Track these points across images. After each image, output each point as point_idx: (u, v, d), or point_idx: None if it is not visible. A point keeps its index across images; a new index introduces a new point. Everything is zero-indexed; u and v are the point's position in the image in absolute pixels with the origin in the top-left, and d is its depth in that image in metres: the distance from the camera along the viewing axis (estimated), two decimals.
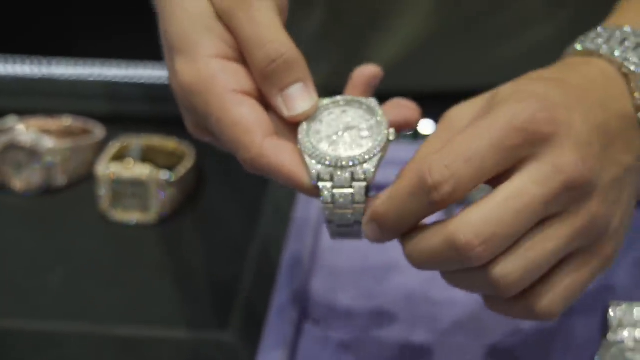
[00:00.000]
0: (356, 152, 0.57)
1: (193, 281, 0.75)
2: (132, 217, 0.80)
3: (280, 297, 0.70)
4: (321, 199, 0.56)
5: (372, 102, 0.59)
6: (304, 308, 0.70)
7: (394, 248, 0.58)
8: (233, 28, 0.58)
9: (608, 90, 0.57)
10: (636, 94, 0.57)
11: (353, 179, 0.56)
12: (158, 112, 0.90)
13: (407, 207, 0.54)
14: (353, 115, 0.59)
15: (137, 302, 0.73)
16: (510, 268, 0.52)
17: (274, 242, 0.76)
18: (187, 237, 0.79)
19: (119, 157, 0.82)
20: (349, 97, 0.59)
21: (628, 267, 0.72)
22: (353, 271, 0.73)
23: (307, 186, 0.56)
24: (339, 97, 0.59)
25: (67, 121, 0.86)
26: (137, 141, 0.83)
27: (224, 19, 0.58)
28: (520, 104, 0.53)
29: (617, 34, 0.59)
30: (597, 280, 0.58)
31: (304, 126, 0.58)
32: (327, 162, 0.56)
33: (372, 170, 0.56)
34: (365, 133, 0.58)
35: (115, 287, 0.74)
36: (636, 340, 0.64)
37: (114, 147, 0.82)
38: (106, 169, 0.79)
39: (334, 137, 0.57)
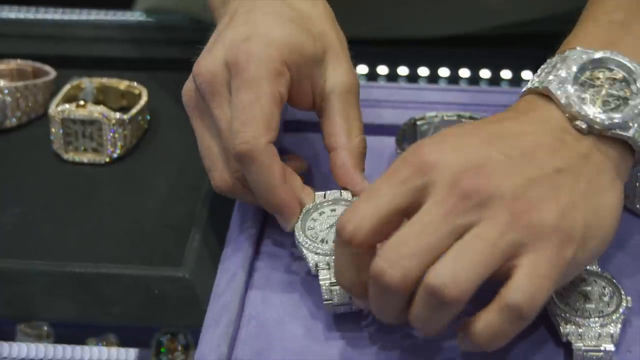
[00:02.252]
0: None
1: (148, 219, 0.75)
2: (86, 157, 0.80)
3: (235, 233, 0.71)
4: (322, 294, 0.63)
5: (356, 199, 0.66)
6: (258, 244, 0.71)
7: None
8: None
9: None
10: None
11: None
12: (110, 54, 0.91)
13: (341, 260, 0.59)
14: (341, 211, 0.66)
15: (92, 240, 0.73)
16: (441, 272, 0.54)
17: None
18: (141, 177, 0.79)
19: (72, 98, 0.82)
20: (336, 195, 0.67)
21: None
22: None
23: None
24: (328, 194, 0.67)
25: (18, 63, 0.86)
26: (89, 82, 0.83)
27: None
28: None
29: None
30: None
31: (298, 225, 0.65)
32: (323, 253, 0.64)
33: None
34: None
35: (70, 226, 0.74)
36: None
37: (66, 88, 0.82)
38: (58, 108, 0.79)
39: (326, 232, 0.65)
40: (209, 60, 0.66)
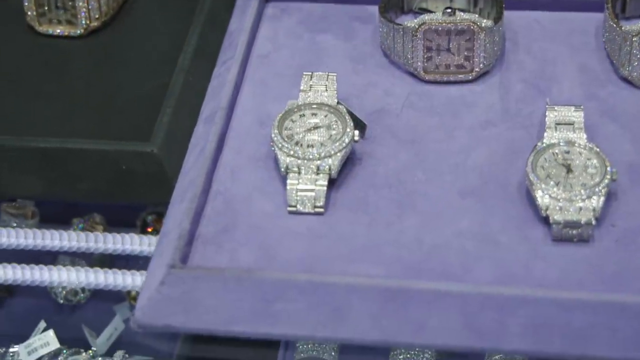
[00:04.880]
0: (322, 148, 0.62)
1: (119, 93, 0.73)
2: (59, 28, 0.78)
3: (208, 107, 0.69)
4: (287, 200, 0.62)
5: (341, 107, 0.65)
6: (230, 119, 0.68)
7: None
8: None
9: None
10: None
11: (318, 171, 0.62)
12: None
13: None
14: (321, 117, 0.65)
15: (61, 115, 0.71)
16: None
17: (206, 53, 0.75)
18: (116, 49, 0.77)
19: None
20: (319, 102, 0.66)
21: None
22: (281, 82, 0.72)
23: None
24: (310, 97, 0.66)
25: None
26: None
27: None
28: None
29: None
30: None
31: (275, 123, 0.64)
32: (296, 155, 0.62)
33: (337, 164, 0.62)
34: (332, 132, 0.64)
35: (41, 100, 0.73)
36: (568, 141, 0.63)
37: None
38: None
39: (303, 135, 0.64)
40: None
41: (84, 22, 0.77)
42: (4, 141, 0.69)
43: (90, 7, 0.76)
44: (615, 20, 0.70)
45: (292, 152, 0.63)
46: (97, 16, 0.77)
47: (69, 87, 0.73)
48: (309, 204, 0.62)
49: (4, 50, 0.77)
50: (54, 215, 0.80)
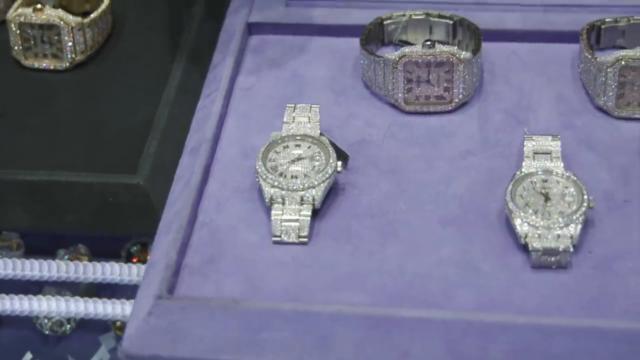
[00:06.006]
0: (306, 179, 0.64)
1: (105, 126, 0.75)
2: (45, 62, 0.79)
3: (193, 140, 0.70)
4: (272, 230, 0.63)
5: (323, 138, 0.67)
6: (215, 151, 0.70)
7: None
8: None
9: None
10: None
11: (302, 201, 0.63)
12: None
13: None
14: (305, 149, 0.67)
15: (48, 147, 0.73)
16: None
17: (190, 86, 0.76)
18: (101, 83, 0.79)
19: (33, 2, 0.80)
20: (302, 133, 0.67)
21: None
22: (265, 114, 0.73)
23: None
24: (293, 129, 0.68)
25: None
26: None
27: None
28: None
29: None
30: None
31: (259, 155, 0.65)
32: (280, 186, 0.64)
33: (320, 194, 0.64)
34: (315, 163, 0.66)
35: (27, 133, 0.74)
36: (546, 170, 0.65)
37: None
38: (15, 13, 0.78)
39: (287, 166, 0.66)
40: None
41: (69, 56, 0.78)
42: None
43: (75, 41, 0.78)
44: (590, 51, 0.72)
45: (276, 183, 0.64)
46: (82, 50, 0.79)
47: (55, 120, 0.75)
48: (293, 234, 0.63)
49: None
50: (39, 247, 0.81)
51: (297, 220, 0.63)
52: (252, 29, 0.80)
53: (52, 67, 0.79)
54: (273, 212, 0.63)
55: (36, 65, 0.79)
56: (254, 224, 0.64)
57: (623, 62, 0.69)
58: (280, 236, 0.63)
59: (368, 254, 0.62)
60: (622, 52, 0.71)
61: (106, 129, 0.74)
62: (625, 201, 0.65)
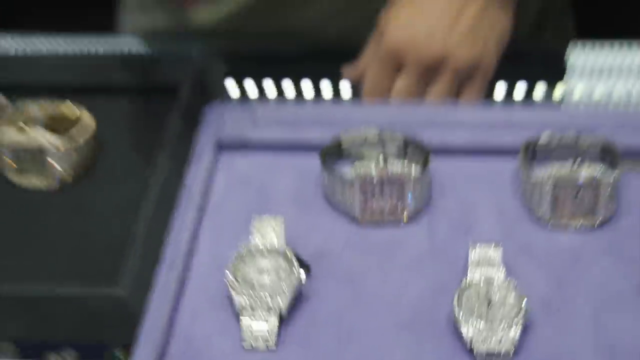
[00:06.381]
0: (273, 289, 0.70)
1: (87, 241, 0.79)
2: (32, 182, 0.84)
3: (169, 253, 0.76)
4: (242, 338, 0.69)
5: (288, 250, 0.72)
6: (190, 262, 0.76)
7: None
8: None
9: None
10: None
11: (270, 310, 0.69)
12: (59, 81, 0.94)
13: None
14: (272, 261, 0.72)
15: (28, 261, 0.78)
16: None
17: (166, 202, 0.81)
18: (83, 201, 0.84)
19: (21, 124, 0.85)
20: (268, 246, 0.73)
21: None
22: (235, 227, 0.79)
23: None
24: (261, 247, 0.73)
25: None
26: (37, 108, 0.87)
27: None
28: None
29: None
30: None
31: (230, 267, 0.71)
32: (249, 295, 0.69)
33: (286, 303, 0.69)
34: (281, 275, 0.71)
35: (6, 248, 0.79)
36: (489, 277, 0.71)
37: (14, 114, 0.85)
38: (8, 136, 0.83)
39: (255, 277, 0.71)
40: None
41: (54, 176, 0.83)
42: None
43: (61, 163, 0.83)
44: (528, 167, 0.78)
45: (245, 294, 0.70)
46: (67, 171, 0.84)
47: (36, 237, 0.80)
48: (262, 342, 0.69)
49: None
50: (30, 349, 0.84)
51: (265, 329, 0.69)
52: (222, 147, 0.86)
53: (39, 187, 0.83)
54: (243, 321, 0.69)
55: (24, 184, 0.84)
56: (227, 332, 0.70)
57: (556, 178, 0.76)
58: (250, 344, 0.69)
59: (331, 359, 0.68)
60: (555, 169, 0.78)
61: (88, 244, 0.78)
62: (559, 309, 0.71)
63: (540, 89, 0.97)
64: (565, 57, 1.01)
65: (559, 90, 0.97)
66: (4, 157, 0.83)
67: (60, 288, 0.74)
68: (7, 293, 0.74)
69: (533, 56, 1.00)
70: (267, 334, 0.69)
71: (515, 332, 0.67)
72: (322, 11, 1.04)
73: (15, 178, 0.84)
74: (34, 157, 0.83)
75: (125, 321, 0.73)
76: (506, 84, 0.97)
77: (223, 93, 0.99)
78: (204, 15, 1.07)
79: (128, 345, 0.81)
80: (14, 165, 0.84)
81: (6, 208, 0.83)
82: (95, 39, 1.05)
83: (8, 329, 0.74)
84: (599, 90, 0.97)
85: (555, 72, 0.99)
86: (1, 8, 1.58)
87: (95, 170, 0.86)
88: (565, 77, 0.99)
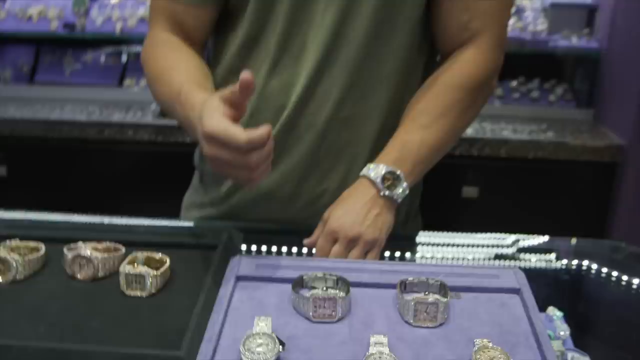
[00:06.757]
0: (264, 355, 1.07)
1: (164, 326, 1.21)
2: (137, 293, 1.32)
3: (208, 333, 1.26)
4: None
5: (273, 335, 1.10)
6: (218, 339, 1.26)
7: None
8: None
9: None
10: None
11: None
12: (156, 240, 1.49)
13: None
14: (264, 340, 1.11)
15: (117, 327, 1.20)
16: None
17: (209, 304, 1.32)
18: (161, 304, 1.29)
19: (131, 262, 1.35)
20: (263, 332, 1.10)
21: None
22: (243, 321, 1.24)
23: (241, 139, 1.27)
24: (258, 330, 1.12)
25: (108, 244, 1.43)
26: (140, 254, 1.38)
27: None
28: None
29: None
30: None
31: (242, 341, 1.09)
32: (251, 359, 1.07)
33: None
34: (269, 347, 1.09)
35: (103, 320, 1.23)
36: (379, 353, 1.21)
37: (128, 257, 1.36)
38: (124, 268, 1.34)
39: (255, 348, 1.09)
40: None
41: (148, 290, 1.36)
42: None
43: (152, 282, 1.38)
44: (401, 292, 1.24)
45: (249, 358, 1.11)
46: (155, 288, 1.33)
47: (119, 321, 1.23)
48: None
49: (104, 306, 1.28)
50: None
51: None
52: (239, 278, 1.30)
53: (139, 295, 1.31)
54: None
55: (132, 294, 1.36)
56: None
57: (416, 300, 1.20)
58: None
59: None
60: (415, 295, 1.26)
61: (165, 327, 1.20)
62: None
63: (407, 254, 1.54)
64: (417, 240, 1.66)
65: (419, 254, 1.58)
66: (122, 279, 1.39)
67: (138, 350, 1.13)
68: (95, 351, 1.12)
69: (403, 239, 1.61)
70: None
71: None
72: (300, 211, 1.68)
73: (128, 291, 1.33)
74: (138, 279, 1.32)
75: None
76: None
77: (240, 250, 1.47)
78: (232, 203, 1.72)
79: None
80: (127, 284, 1.33)
81: (118, 310, 1.28)
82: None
83: None
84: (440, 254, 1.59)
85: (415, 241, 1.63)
86: None
87: (171, 287, 1.35)
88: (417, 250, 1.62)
